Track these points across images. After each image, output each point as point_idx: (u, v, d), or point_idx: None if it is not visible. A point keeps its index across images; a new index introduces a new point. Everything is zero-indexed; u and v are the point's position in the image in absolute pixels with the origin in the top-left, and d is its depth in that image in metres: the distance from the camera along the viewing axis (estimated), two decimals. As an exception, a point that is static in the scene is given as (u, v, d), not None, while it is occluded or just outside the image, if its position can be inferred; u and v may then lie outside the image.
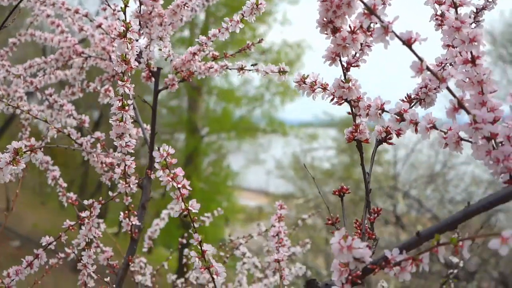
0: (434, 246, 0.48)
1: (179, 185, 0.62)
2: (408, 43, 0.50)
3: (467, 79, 0.54)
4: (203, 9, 1.11)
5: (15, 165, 0.67)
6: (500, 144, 0.52)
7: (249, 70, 0.94)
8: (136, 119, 1.06)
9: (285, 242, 0.95)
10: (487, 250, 6.07)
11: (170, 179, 0.62)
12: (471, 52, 0.53)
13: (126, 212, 0.96)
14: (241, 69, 0.95)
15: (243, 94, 12.23)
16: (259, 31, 11.51)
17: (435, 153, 7.51)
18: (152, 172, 0.96)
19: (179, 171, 0.62)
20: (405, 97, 0.69)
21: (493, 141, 0.52)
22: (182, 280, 1.34)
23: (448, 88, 0.51)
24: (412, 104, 0.69)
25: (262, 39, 0.99)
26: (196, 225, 0.65)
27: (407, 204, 6.11)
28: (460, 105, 0.51)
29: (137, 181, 0.90)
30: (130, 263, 0.98)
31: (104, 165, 1.02)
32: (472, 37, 0.52)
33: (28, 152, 0.65)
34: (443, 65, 0.69)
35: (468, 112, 0.51)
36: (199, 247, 0.64)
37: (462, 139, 0.54)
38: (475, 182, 6.90)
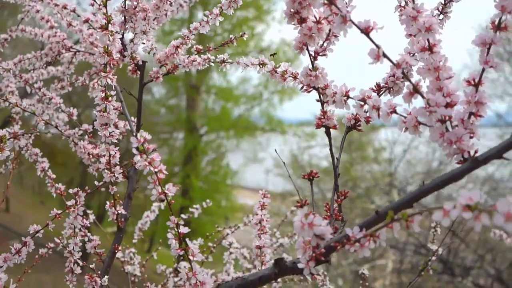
0: (388, 222, 0.50)
1: (156, 170, 0.65)
2: (366, 31, 0.53)
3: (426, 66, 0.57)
4: (190, 4, 1.13)
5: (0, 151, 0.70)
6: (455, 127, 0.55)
7: (230, 62, 0.97)
8: (123, 112, 1.09)
9: (267, 230, 0.98)
10: (483, 246, 6.11)
11: (147, 164, 0.64)
12: (428, 40, 0.56)
13: (112, 201, 0.98)
14: (222, 62, 0.97)
15: (242, 92, 12.26)
16: (257, 30, 11.54)
17: (432, 151, 7.56)
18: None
19: (156, 156, 0.65)
20: (374, 86, 0.71)
21: (449, 123, 0.55)
22: (171, 269, 1.37)
23: (403, 73, 0.54)
24: (381, 92, 0.71)
25: (244, 33, 1.02)
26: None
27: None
28: (415, 89, 0.54)
29: (121, 170, 0.93)
30: (116, 251, 1.01)
31: (91, 156, 1.04)
32: (428, 25, 0.55)
33: (12, 139, 0.68)
34: (411, 54, 0.72)
35: (422, 97, 0.54)
36: (176, 229, 0.67)
37: (420, 123, 0.57)
38: (471, 179, 6.94)
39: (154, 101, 11.47)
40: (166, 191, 0.66)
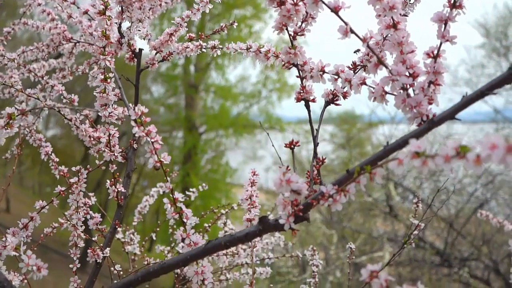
0: (356, 177, 0.57)
1: (153, 140, 0.72)
2: (335, 10, 0.60)
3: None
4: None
5: (8, 128, 0.76)
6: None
7: (221, 47, 1.03)
8: (122, 97, 1.16)
9: (256, 204, 1.05)
10: (479, 238, 6.19)
11: (145, 134, 0.71)
12: (392, 18, 0.63)
13: (112, 180, 1.05)
14: (214, 47, 1.04)
15: (240, 91, 12.32)
16: (255, 28, 11.60)
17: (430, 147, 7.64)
18: (135, 143, 1.06)
19: (152, 128, 0.72)
20: (351, 64, 0.78)
21: (411, 91, 0.62)
22: (169, 248, 1.44)
23: (369, 47, 0.60)
24: (357, 70, 0.78)
25: (234, 22, 1.09)
26: (168, 177, 0.75)
27: (400, 194, 6.22)
28: (379, 61, 0.61)
29: (120, 149, 1.00)
30: (117, 227, 1.08)
31: (92, 139, 1.11)
32: (392, 5, 0.62)
33: (20, 116, 0.74)
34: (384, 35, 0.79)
35: (386, 67, 0.60)
36: (171, 195, 0.74)
37: (386, 92, 0.64)
38: (467, 174, 7.02)
39: (153, 100, 11.54)
40: (162, 159, 0.73)
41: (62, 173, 1.14)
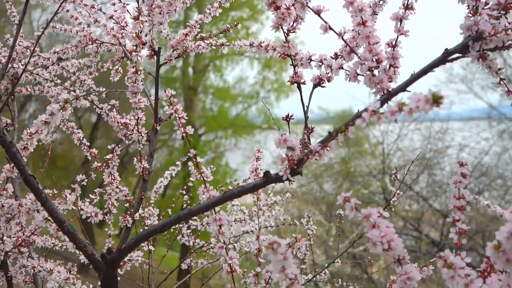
0: (335, 135, 0.77)
1: (180, 116, 0.92)
2: (318, 12, 0.80)
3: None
4: (193, 1, 1.40)
5: (63, 111, 0.97)
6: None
7: (228, 45, 1.24)
8: (144, 90, 1.36)
9: (261, 175, 1.25)
10: (471, 228, 6.40)
11: (173, 112, 0.92)
12: (361, 17, 0.83)
13: (139, 157, 1.26)
14: (222, 45, 1.25)
15: (239, 92, 12.53)
16: (252, 29, 11.81)
17: (427, 142, 7.90)
18: (158, 125, 1.26)
19: (179, 107, 0.93)
20: (333, 54, 0.99)
21: (377, 72, 0.82)
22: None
23: (343, 40, 0.81)
24: (338, 58, 0.98)
25: (238, 23, 1.30)
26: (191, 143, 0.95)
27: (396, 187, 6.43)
28: (351, 50, 0.81)
29: (147, 131, 1.20)
30: (142, 197, 1.28)
31: (119, 124, 1.31)
32: (360, 8, 0.82)
33: (75, 100, 0.95)
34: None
35: (356, 54, 0.81)
36: (194, 159, 0.95)
37: (358, 73, 0.84)
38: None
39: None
40: (187, 131, 0.93)
41: (93, 155, 1.34)
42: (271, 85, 12.46)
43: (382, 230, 0.66)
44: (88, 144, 1.39)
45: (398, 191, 1.38)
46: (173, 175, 1.73)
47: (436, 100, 0.58)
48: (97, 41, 1.49)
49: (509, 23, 0.76)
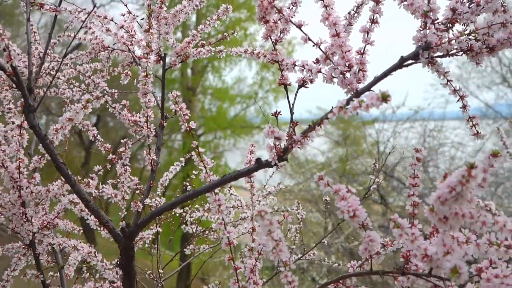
0: (313, 126, 0.95)
1: (184, 113, 1.09)
2: (299, 26, 0.98)
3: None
4: (194, 12, 1.58)
5: (85, 109, 1.14)
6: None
7: (225, 51, 1.41)
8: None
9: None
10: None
11: (178, 109, 1.09)
12: (335, 30, 1.01)
13: (148, 150, 1.43)
14: (220, 51, 1.42)
15: (237, 92, 12.69)
16: (250, 30, 11.98)
17: (422, 140, 8.09)
18: (165, 122, 1.43)
19: (183, 105, 1.10)
20: (315, 59, 1.16)
21: (348, 75, 1.00)
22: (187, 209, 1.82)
23: (319, 48, 0.98)
24: (319, 63, 1.16)
25: (234, 31, 1.47)
26: (195, 138, 1.12)
27: (391, 184, 6.62)
28: (327, 57, 0.99)
29: (155, 127, 1.38)
30: (151, 185, 1.45)
31: (130, 121, 1.49)
32: (335, 22, 1.00)
33: (95, 100, 1.12)
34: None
35: (331, 61, 0.98)
36: (196, 150, 1.12)
37: (333, 76, 1.01)
38: (454, 164, 7.45)
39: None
40: (190, 126, 1.10)
41: (107, 149, 1.52)
42: (269, 86, 12.62)
43: (349, 201, 0.84)
44: (102, 140, 1.56)
45: (377, 180, 1.55)
46: (178, 170, 1.90)
47: (384, 98, 0.75)
48: (108, 48, 1.67)
49: (458, 33, 0.93)
